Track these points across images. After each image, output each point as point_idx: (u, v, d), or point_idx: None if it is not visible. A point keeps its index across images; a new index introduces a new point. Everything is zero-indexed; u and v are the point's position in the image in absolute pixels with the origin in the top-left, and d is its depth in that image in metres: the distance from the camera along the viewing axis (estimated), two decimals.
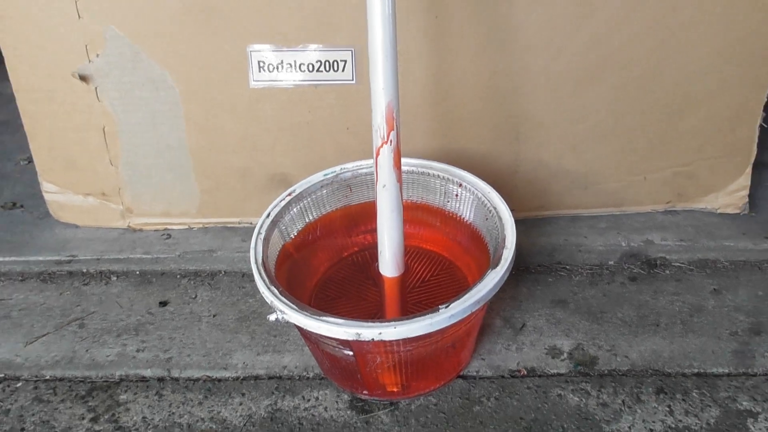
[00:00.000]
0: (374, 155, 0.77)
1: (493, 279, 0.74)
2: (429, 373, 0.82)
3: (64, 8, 0.94)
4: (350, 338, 0.70)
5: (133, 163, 1.06)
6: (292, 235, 0.90)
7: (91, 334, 0.95)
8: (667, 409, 0.81)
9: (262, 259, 0.79)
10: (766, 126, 1.03)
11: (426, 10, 0.93)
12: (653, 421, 0.79)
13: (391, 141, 0.75)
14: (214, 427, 0.81)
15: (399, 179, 0.78)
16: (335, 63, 0.97)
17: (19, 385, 0.88)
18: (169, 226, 1.12)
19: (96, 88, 1.00)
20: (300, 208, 0.91)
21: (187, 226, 1.12)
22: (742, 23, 0.95)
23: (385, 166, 0.76)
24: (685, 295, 0.97)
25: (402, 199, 0.80)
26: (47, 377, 0.88)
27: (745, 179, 1.07)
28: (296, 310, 0.72)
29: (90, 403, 0.85)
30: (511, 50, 0.96)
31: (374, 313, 0.89)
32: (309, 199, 0.91)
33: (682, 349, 0.88)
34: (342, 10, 0.93)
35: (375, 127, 0.75)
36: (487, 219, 0.87)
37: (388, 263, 0.82)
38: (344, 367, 0.80)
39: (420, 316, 0.70)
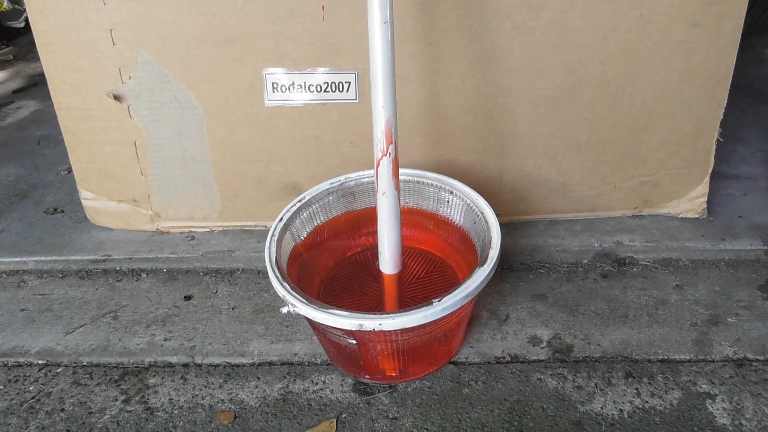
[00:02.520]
0: (375, 166, 0.77)
1: (480, 276, 0.74)
2: (424, 359, 0.82)
3: (100, 36, 0.94)
4: (354, 328, 0.70)
5: (161, 173, 1.06)
6: (302, 237, 0.90)
7: (124, 325, 0.95)
8: (635, 391, 0.81)
9: (276, 259, 0.80)
10: (722, 140, 1.03)
11: (421, 38, 0.94)
12: (623, 402, 0.79)
13: (390, 153, 0.75)
14: (232, 407, 0.81)
15: (397, 187, 0.78)
16: (340, 84, 0.97)
17: (59, 370, 0.88)
18: (193, 229, 1.12)
19: (128, 107, 1.00)
20: (309, 213, 0.91)
21: (209, 229, 1.12)
22: (700, 50, 0.95)
23: (385, 176, 0.77)
24: (650, 290, 0.97)
25: (400, 205, 0.80)
26: (84, 363, 0.89)
27: (704, 187, 1.07)
28: (306, 304, 0.72)
29: (122, 387, 0.85)
30: (496, 73, 0.97)
31: (375, 306, 0.89)
32: (317, 205, 0.92)
33: (648, 338, 0.88)
34: (346, 38, 0.94)
35: (375, 141, 0.75)
36: (475, 222, 0.87)
37: (388, 262, 0.82)
38: (348, 354, 0.80)
39: (416, 308, 0.70)
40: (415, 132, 1.02)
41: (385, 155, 0.75)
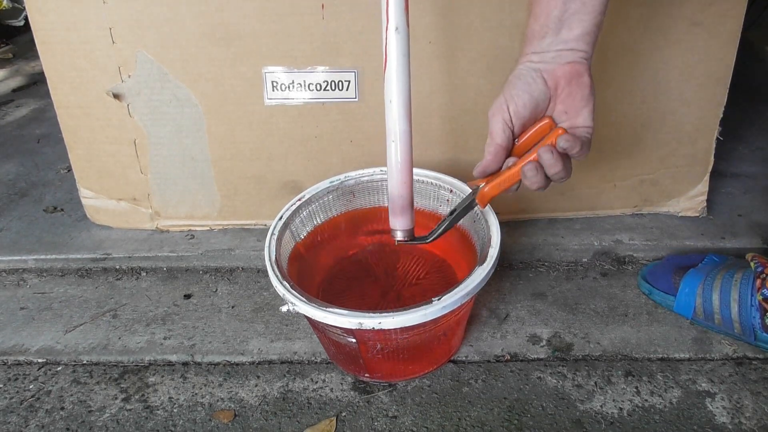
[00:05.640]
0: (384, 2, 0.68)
1: (480, 274, 0.74)
2: (423, 358, 0.82)
3: (99, 35, 0.94)
4: (353, 327, 0.70)
5: (161, 171, 1.06)
6: (302, 236, 0.90)
7: (123, 323, 0.95)
8: (635, 389, 0.81)
9: (276, 257, 0.79)
10: (722, 139, 1.03)
11: (420, 37, 0.93)
12: (622, 401, 0.79)
13: None
14: (232, 406, 0.81)
15: (408, 24, 0.69)
16: (340, 83, 0.97)
17: (59, 369, 0.88)
18: (192, 228, 1.12)
19: (128, 105, 1.00)
20: (309, 211, 0.91)
21: (208, 228, 1.12)
22: (700, 48, 0.95)
23: (398, 8, 0.68)
24: None
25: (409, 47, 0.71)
26: (84, 362, 0.89)
27: (703, 186, 1.07)
28: (305, 302, 0.72)
29: (122, 385, 0.85)
30: (496, 71, 0.96)
31: (375, 306, 0.89)
32: (317, 204, 0.91)
33: (647, 337, 0.88)
34: (346, 37, 0.93)
35: None
36: (474, 221, 0.87)
37: (398, 117, 0.74)
38: (348, 353, 0.80)
39: (415, 307, 0.70)
40: (413, 130, 1.01)
41: None
